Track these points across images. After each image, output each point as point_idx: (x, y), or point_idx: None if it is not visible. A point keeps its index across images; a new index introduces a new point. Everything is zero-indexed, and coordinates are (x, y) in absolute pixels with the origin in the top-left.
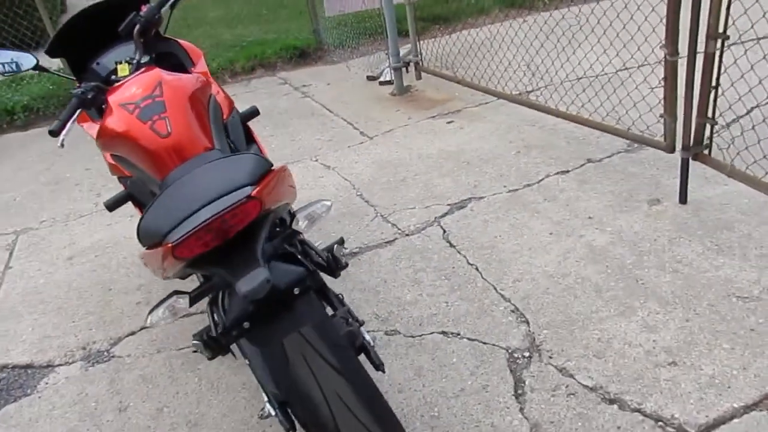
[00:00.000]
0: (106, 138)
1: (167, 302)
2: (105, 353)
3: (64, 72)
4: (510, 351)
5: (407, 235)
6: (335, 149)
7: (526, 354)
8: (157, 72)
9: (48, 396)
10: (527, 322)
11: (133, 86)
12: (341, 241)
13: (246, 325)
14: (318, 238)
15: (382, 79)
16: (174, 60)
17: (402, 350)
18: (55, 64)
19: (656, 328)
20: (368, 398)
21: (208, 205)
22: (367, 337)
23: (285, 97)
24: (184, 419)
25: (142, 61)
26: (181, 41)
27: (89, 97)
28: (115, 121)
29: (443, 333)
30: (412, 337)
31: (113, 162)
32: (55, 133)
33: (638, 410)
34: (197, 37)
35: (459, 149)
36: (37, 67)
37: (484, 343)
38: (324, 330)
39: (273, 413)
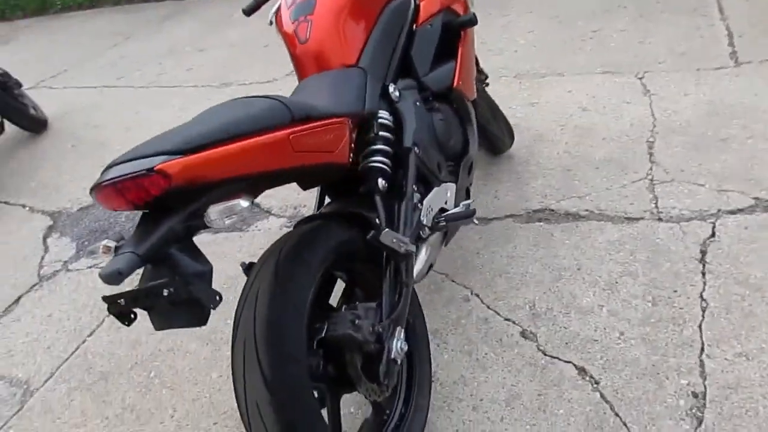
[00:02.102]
0: (277, 26)
1: None
2: None
3: None
4: None
5: (658, 219)
6: (677, 69)
7: None
8: None
9: (248, 237)
10: (700, 422)
11: None
12: (468, 214)
13: (121, 301)
14: (541, 185)
15: None
16: None
17: (517, 365)
18: None
19: None
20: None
21: (126, 162)
22: (396, 345)
23: None
24: None
25: None
26: None
27: None
28: (278, 13)
29: (582, 371)
30: (545, 354)
31: None
32: (246, 13)
33: None
34: None
35: None
36: None
37: (617, 415)
38: (277, 330)
39: None
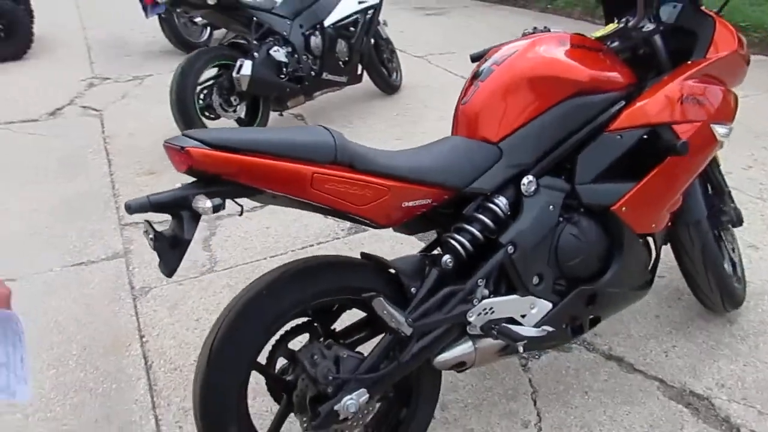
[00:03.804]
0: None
1: None
2: None
3: None
4: None
5: None
6: None
7: None
8: (542, 38)
9: None
10: None
11: (515, 43)
12: (520, 338)
13: (142, 224)
14: None
15: None
16: (690, 40)
17: None
18: None
19: None
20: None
21: (187, 137)
22: (345, 401)
23: None
24: None
25: (640, 26)
26: (720, 22)
27: None
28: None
29: None
30: None
31: None
32: (473, 60)
33: None
34: None
35: None
36: None
37: None
38: (237, 331)
39: None
